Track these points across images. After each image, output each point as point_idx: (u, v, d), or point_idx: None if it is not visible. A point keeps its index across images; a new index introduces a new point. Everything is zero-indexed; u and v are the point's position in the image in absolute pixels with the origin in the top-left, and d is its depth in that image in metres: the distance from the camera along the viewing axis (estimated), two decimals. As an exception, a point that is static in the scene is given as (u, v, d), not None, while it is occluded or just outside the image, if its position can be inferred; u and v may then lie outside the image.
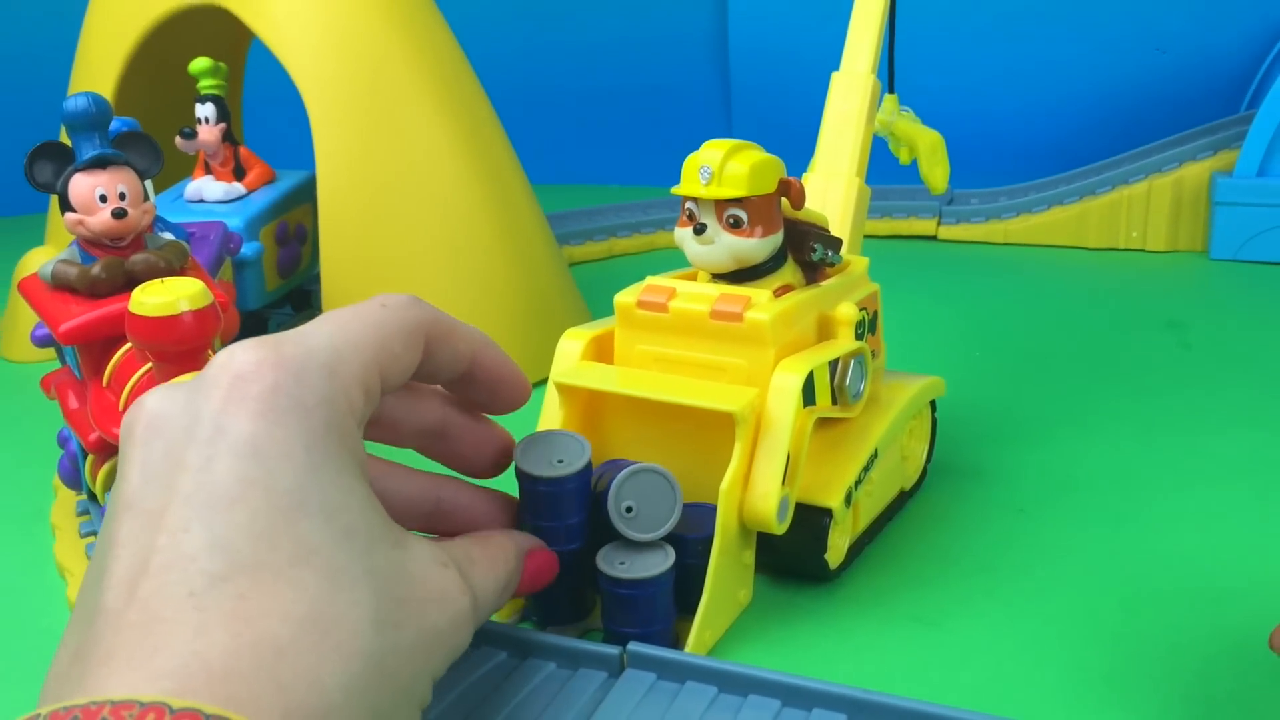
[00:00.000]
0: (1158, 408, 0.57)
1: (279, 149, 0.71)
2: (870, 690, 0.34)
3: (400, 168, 0.61)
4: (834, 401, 0.43)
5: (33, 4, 1.04)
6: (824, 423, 0.44)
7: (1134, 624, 0.41)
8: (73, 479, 0.49)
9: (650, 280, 0.44)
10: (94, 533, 0.47)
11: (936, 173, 0.56)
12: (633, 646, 0.37)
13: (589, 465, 0.38)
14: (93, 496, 0.46)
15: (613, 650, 0.37)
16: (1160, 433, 0.55)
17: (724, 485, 0.39)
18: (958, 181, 0.89)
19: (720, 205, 0.41)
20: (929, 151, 0.56)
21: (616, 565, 0.38)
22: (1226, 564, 0.44)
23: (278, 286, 0.66)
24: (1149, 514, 0.48)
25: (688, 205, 0.42)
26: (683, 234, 0.42)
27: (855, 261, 0.47)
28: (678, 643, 0.39)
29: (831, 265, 0.45)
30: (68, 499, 0.50)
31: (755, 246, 0.41)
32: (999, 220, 0.89)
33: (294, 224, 0.67)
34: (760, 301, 0.41)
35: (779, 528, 0.40)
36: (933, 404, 0.50)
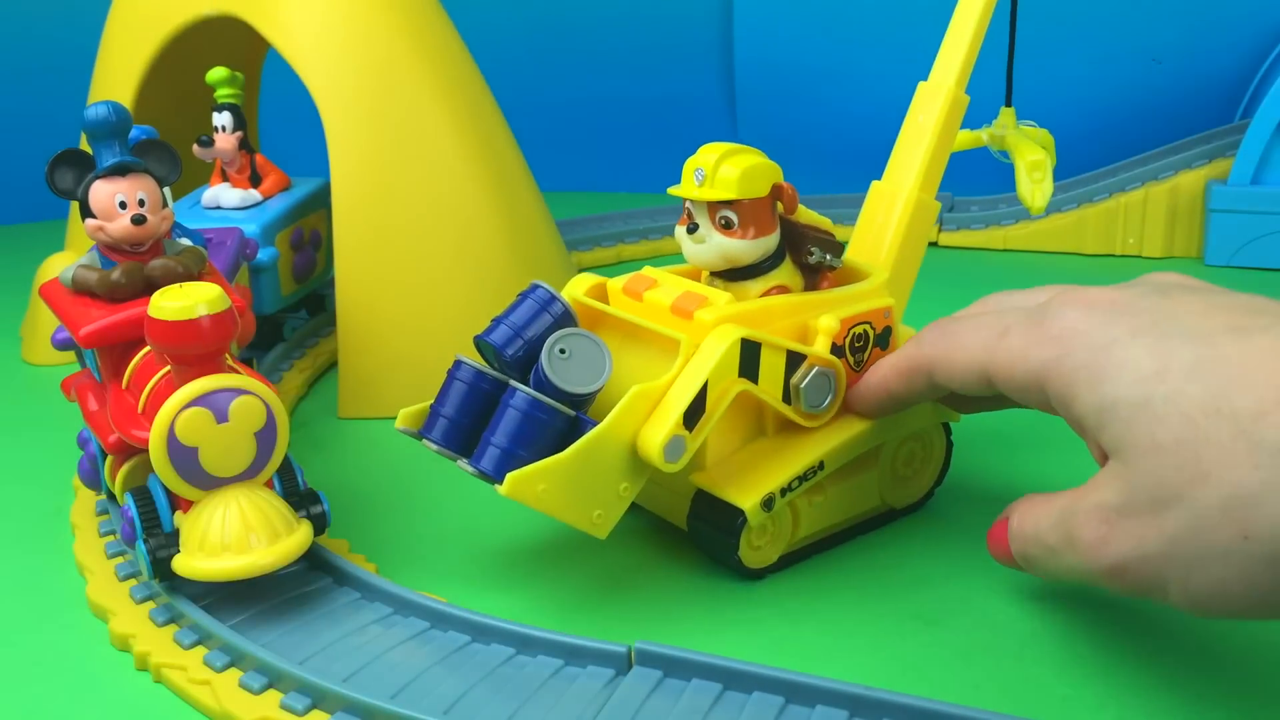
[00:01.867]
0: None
1: (294, 156, 0.72)
2: (872, 687, 0.35)
3: (413, 175, 0.62)
4: (786, 399, 0.43)
5: (54, 15, 1.05)
6: (786, 425, 0.44)
7: (1132, 623, 0.41)
8: (92, 479, 0.50)
9: (645, 270, 0.46)
10: (113, 532, 0.48)
11: (1035, 192, 0.56)
12: (640, 644, 0.38)
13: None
14: (112, 496, 0.46)
15: (619, 648, 0.38)
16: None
17: (636, 388, 0.41)
18: (958, 188, 0.90)
19: (712, 206, 0.43)
20: (1029, 169, 0.57)
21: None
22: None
23: (293, 291, 0.67)
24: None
25: (686, 204, 0.43)
26: (680, 232, 0.44)
27: (876, 274, 0.47)
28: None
29: (831, 269, 0.46)
30: (87, 499, 0.51)
31: (745, 248, 0.43)
32: (999, 226, 0.89)
33: (309, 230, 0.68)
34: (716, 302, 0.42)
35: (664, 465, 0.41)
36: (947, 427, 0.49)
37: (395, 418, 0.46)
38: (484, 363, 0.45)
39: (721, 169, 0.42)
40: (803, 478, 0.44)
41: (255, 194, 0.66)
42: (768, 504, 0.43)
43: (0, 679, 0.41)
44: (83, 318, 0.44)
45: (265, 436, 0.41)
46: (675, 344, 0.42)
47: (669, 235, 0.90)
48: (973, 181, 0.91)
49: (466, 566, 0.47)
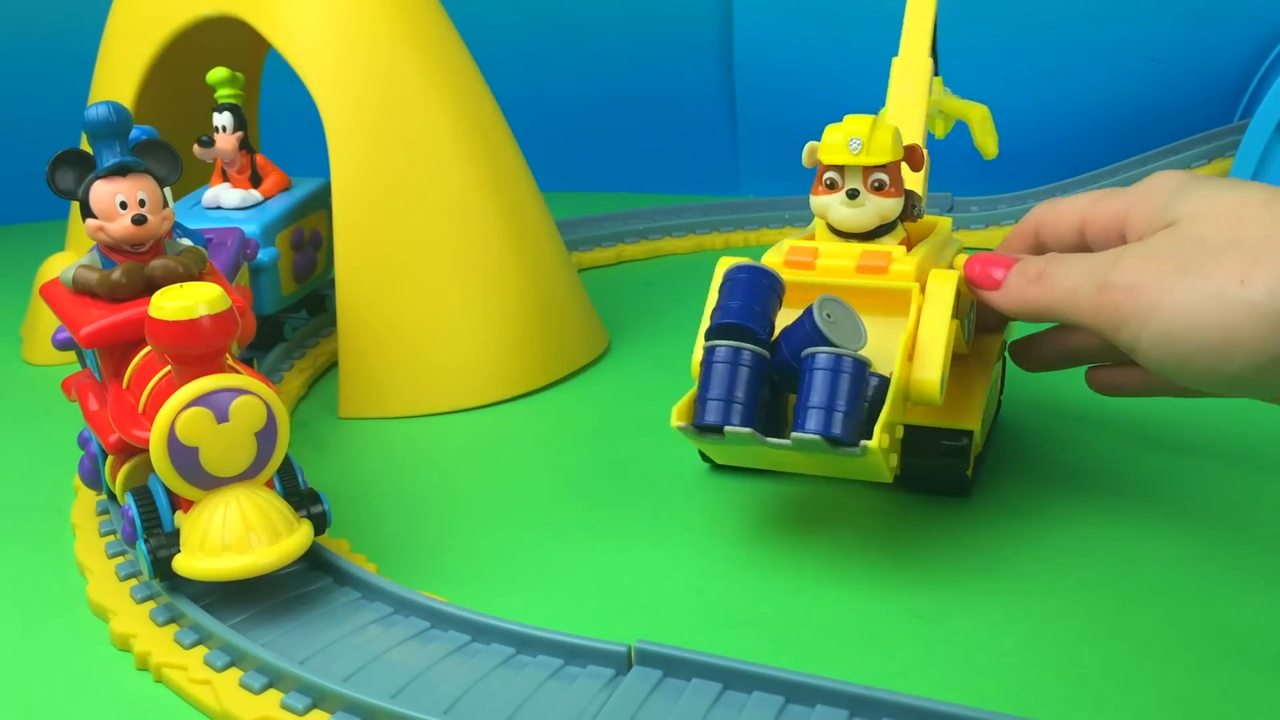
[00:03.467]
0: (1154, 409, 0.57)
1: (294, 156, 0.72)
2: (872, 687, 0.35)
3: (413, 175, 0.62)
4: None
5: (54, 15, 1.05)
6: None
7: (1131, 622, 0.41)
8: (93, 479, 0.50)
9: (790, 242, 0.48)
10: (113, 532, 0.48)
11: (989, 141, 0.61)
12: (640, 644, 0.38)
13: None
14: (112, 496, 0.46)
15: (619, 648, 0.38)
16: (1157, 434, 0.55)
17: (902, 336, 0.44)
18: (958, 188, 0.90)
19: (867, 170, 0.47)
20: (981, 122, 0.61)
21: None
22: (1223, 563, 0.44)
23: (293, 291, 0.67)
24: (1146, 514, 0.48)
25: (829, 174, 0.47)
26: (826, 200, 0.47)
27: (941, 222, 0.54)
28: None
29: (918, 219, 0.51)
30: (88, 499, 0.51)
31: (895, 205, 0.47)
32: (998, 226, 0.90)
33: (309, 230, 0.68)
34: (900, 257, 0.46)
35: (939, 400, 0.44)
36: (1003, 344, 0.55)
37: (395, 418, 0.46)
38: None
39: (876, 135, 0.46)
40: (989, 395, 0.50)
41: (256, 194, 0.66)
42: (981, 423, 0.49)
43: (0, 679, 0.41)
44: (83, 318, 0.44)
45: (266, 436, 0.41)
46: (878, 300, 0.46)
47: (669, 235, 0.90)
48: (972, 181, 0.91)
49: (466, 566, 0.47)
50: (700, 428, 0.43)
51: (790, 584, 0.45)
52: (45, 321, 0.70)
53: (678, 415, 0.44)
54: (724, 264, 0.47)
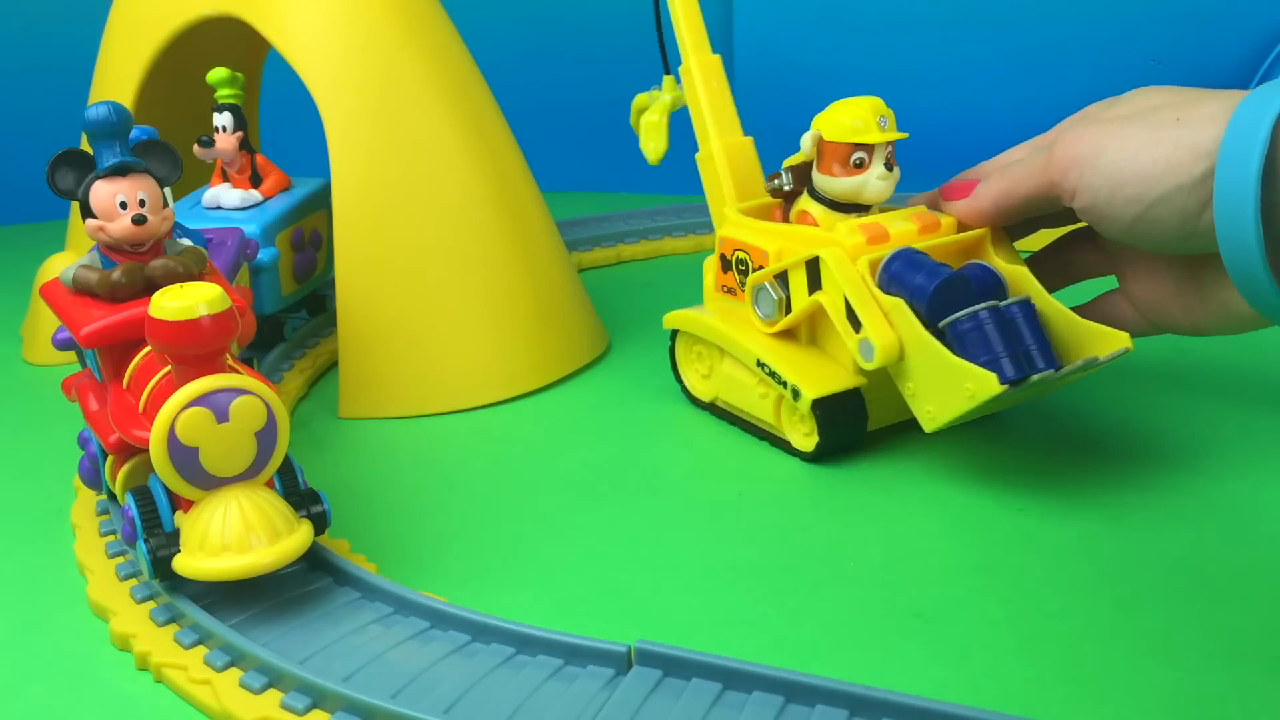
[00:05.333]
0: (1153, 410, 0.57)
1: (294, 156, 0.72)
2: (872, 687, 0.35)
3: (413, 175, 0.62)
4: None
5: (54, 15, 1.05)
6: None
7: (1130, 622, 0.41)
8: (93, 479, 0.50)
9: (842, 229, 0.51)
10: (113, 532, 0.48)
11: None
12: (640, 644, 0.38)
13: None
14: (112, 496, 0.46)
15: (619, 648, 0.38)
16: (1156, 434, 0.55)
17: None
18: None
19: (887, 147, 0.51)
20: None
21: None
22: (1222, 562, 0.44)
23: (293, 291, 0.67)
24: (1146, 513, 0.48)
25: (858, 154, 0.50)
26: (860, 179, 0.51)
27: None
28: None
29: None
30: (88, 499, 0.51)
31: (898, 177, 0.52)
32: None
33: (309, 230, 0.68)
34: (928, 214, 0.52)
35: None
36: None
37: (395, 418, 0.46)
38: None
39: (887, 112, 0.50)
40: None
41: (256, 194, 0.66)
42: None
43: (0, 679, 0.41)
44: (83, 318, 0.44)
45: (266, 436, 0.41)
46: (940, 254, 0.51)
47: (669, 235, 0.90)
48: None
49: (466, 566, 0.47)
50: (1012, 383, 0.46)
51: (790, 584, 0.45)
52: (45, 321, 0.70)
53: (983, 384, 0.45)
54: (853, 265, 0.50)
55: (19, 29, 1.07)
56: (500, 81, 0.71)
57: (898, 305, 0.49)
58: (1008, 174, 0.50)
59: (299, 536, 0.41)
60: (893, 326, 0.49)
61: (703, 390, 0.59)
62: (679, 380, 0.61)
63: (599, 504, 0.51)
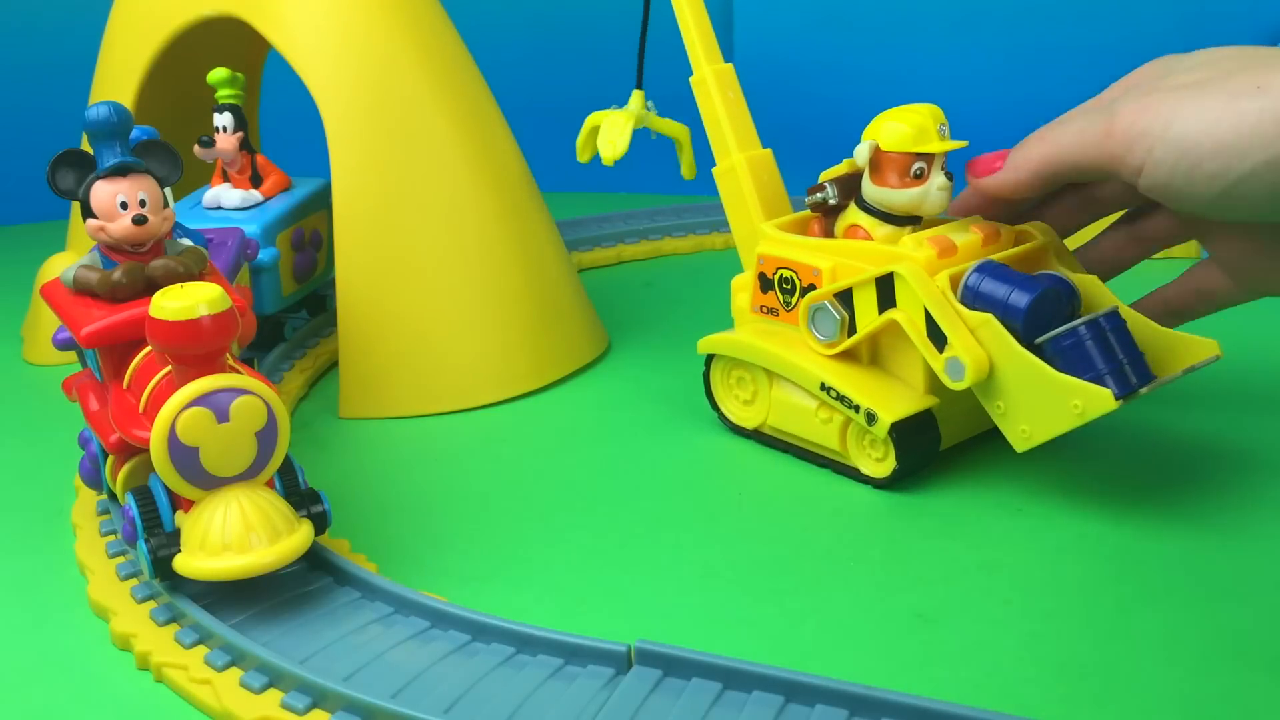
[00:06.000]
0: (1153, 409, 0.57)
1: (295, 157, 0.72)
2: (872, 687, 0.35)
3: (413, 175, 0.62)
4: None
5: (54, 15, 1.05)
6: None
7: (1131, 622, 0.41)
8: (93, 479, 0.50)
9: (909, 242, 0.49)
10: (114, 532, 0.48)
11: (689, 160, 0.62)
12: (640, 644, 0.38)
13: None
14: (113, 496, 0.46)
15: (619, 647, 0.38)
16: (1157, 434, 0.55)
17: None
18: (960, 189, 0.90)
19: (943, 155, 0.49)
20: (686, 141, 0.62)
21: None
22: (1223, 563, 0.44)
23: (294, 291, 0.67)
24: (1146, 513, 0.48)
25: (918, 164, 0.48)
26: (923, 189, 0.49)
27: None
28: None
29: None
30: (88, 499, 0.51)
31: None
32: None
33: (310, 230, 0.68)
34: (985, 223, 0.50)
35: None
36: None
37: (395, 418, 0.46)
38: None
39: (946, 122, 0.49)
40: None
41: (256, 194, 0.66)
42: None
43: (0, 679, 0.41)
44: (84, 318, 0.44)
45: (266, 436, 0.41)
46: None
47: (669, 235, 0.90)
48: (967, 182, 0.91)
49: (466, 566, 0.47)
50: (1123, 398, 0.44)
51: (790, 584, 0.45)
52: (46, 321, 0.70)
53: (1096, 401, 0.44)
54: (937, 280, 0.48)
55: (19, 29, 1.07)
56: (500, 81, 0.71)
57: (987, 321, 0.46)
58: (1053, 139, 0.46)
59: (299, 536, 0.41)
60: (980, 343, 0.46)
61: (746, 417, 0.56)
62: (715, 408, 0.57)
63: (599, 504, 0.51)
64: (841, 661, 0.40)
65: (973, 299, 0.47)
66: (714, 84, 0.56)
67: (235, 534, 0.40)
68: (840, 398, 0.50)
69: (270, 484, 0.43)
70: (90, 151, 0.44)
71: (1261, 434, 0.55)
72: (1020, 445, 0.47)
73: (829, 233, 0.53)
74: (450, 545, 0.48)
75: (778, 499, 0.51)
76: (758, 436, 0.56)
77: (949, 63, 1.02)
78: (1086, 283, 0.49)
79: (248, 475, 0.41)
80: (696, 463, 0.55)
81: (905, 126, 0.48)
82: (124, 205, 0.44)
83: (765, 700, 0.36)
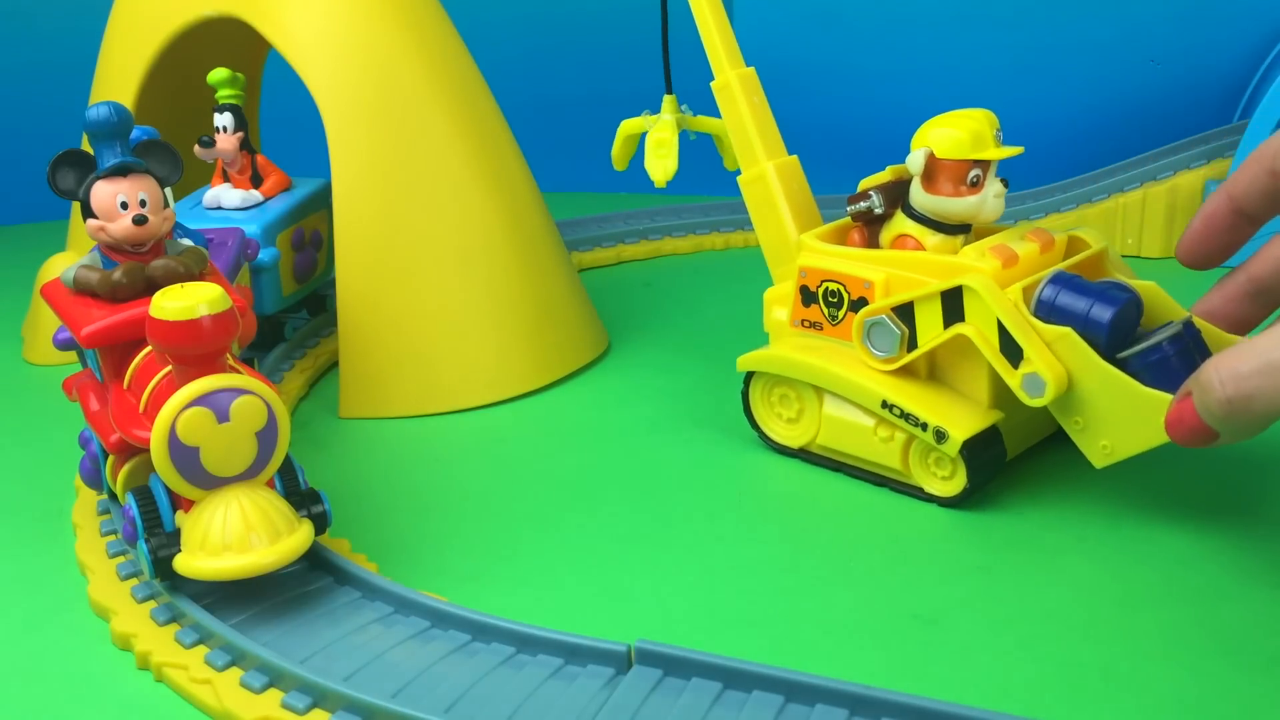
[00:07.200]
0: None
1: (295, 157, 0.72)
2: (872, 687, 0.35)
3: (413, 175, 0.62)
4: None
5: (54, 15, 1.05)
6: None
7: (1130, 622, 0.41)
8: (94, 479, 0.50)
9: (971, 253, 0.47)
10: (114, 532, 0.48)
11: (731, 154, 0.59)
12: (640, 644, 0.38)
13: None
14: (113, 496, 0.47)
15: (619, 647, 0.38)
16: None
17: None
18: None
19: (996, 163, 0.47)
20: (726, 135, 0.59)
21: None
22: (1223, 563, 0.44)
23: (294, 291, 0.67)
24: (1146, 513, 0.48)
25: (974, 172, 0.47)
26: (979, 197, 0.47)
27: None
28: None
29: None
30: (89, 499, 0.51)
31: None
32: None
33: (310, 230, 0.68)
34: (1033, 227, 0.49)
35: None
36: None
37: (395, 418, 0.46)
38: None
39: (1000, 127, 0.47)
40: None
41: (256, 194, 0.66)
42: None
43: (0, 679, 0.41)
44: (84, 318, 0.44)
45: (266, 436, 0.41)
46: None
47: (669, 235, 0.90)
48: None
49: (466, 566, 0.47)
50: None
51: (790, 584, 0.45)
52: (46, 321, 0.70)
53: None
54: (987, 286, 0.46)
55: (19, 29, 1.07)
56: (500, 81, 0.71)
57: (1066, 335, 0.44)
58: (1255, 371, 0.38)
59: (299, 536, 0.41)
60: (1058, 357, 0.45)
61: (791, 436, 0.53)
62: (756, 428, 0.55)
63: (599, 504, 0.51)
64: (841, 661, 0.40)
65: (1048, 312, 0.46)
66: (739, 89, 0.55)
67: (235, 534, 0.40)
68: (905, 415, 0.48)
69: (270, 484, 0.43)
70: (90, 151, 0.44)
71: (1261, 434, 0.55)
72: (1100, 461, 0.46)
73: (871, 243, 0.51)
74: (450, 545, 0.49)
75: (777, 499, 0.51)
76: (804, 455, 0.53)
77: (949, 63, 1.02)
78: (1146, 289, 0.48)
79: (248, 475, 0.41)
80: (696, 462, 0.55)
81: (960, 133, 0.46)
82: (124, 205, 0.44)
83: (765, 700, 0.36)
